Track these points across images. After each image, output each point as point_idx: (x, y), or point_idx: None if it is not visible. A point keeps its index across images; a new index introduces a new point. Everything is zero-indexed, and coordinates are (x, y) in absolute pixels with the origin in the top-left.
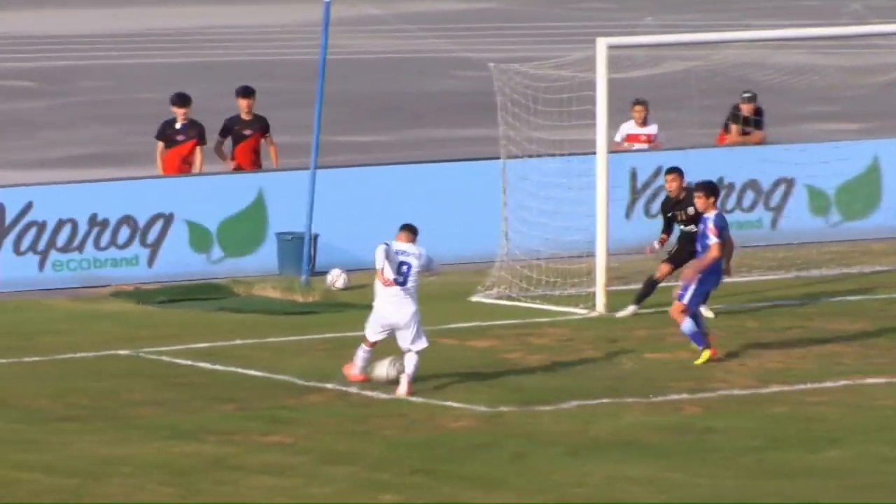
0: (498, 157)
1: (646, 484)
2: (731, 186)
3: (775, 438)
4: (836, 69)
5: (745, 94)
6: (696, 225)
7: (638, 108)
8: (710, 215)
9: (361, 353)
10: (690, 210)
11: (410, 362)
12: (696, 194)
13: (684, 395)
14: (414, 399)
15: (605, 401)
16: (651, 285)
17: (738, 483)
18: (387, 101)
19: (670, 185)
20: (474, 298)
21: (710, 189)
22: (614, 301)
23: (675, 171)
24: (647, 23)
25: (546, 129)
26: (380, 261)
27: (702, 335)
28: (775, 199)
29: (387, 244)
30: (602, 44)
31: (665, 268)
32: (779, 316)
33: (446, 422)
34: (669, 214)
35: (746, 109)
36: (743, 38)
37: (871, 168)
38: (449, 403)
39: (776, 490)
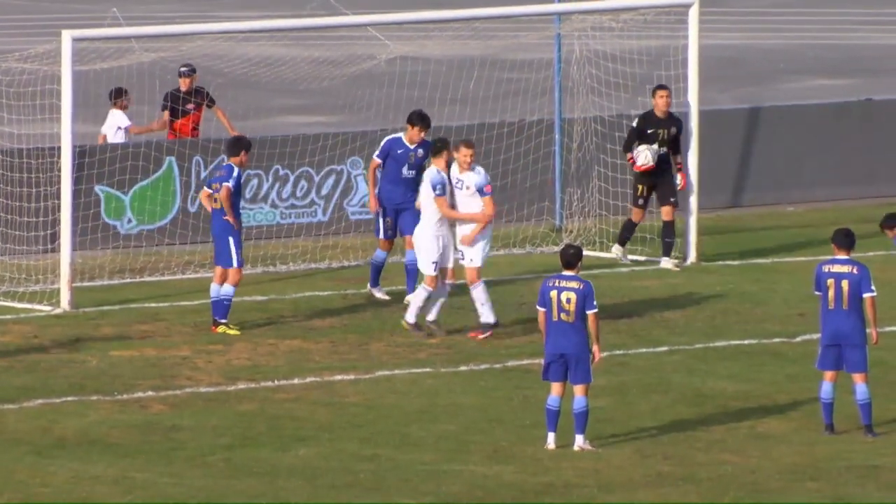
0: None
1: (111, 483)
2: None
3: (244, 437)
4: (304, 60)
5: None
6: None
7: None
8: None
9: None
10: (674, 130)
11: None
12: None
13: (150, 393)
14: None
15: (70, 399)
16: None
17: (205, 482)
18: None
19: (661, 101)
20: None
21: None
22: (80, 297)
23: (667, 87)
24: (113, 14)
25: (11, 124)
26: None
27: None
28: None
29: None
30: (67, 36)
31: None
32: (247, 311)
33: None
34: (650, 131)
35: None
36: (208, 31)
37: None
38: None
39: (244, 489)
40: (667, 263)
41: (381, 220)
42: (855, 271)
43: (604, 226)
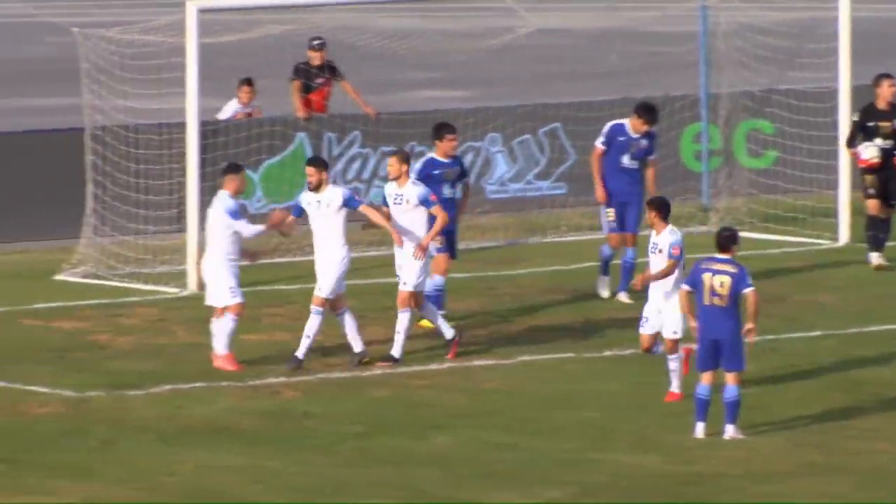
0: (83, 128)
1: (239, 472)
2: None
3: (377, 424)
4: (440, 34)
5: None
6: None
7: (245, 88)
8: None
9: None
10: None
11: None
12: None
13: (282, 379)
14: None
15: (198, 385)
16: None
17: (337, 471)
18: None
19: (887, 91)
20: (59, 277)
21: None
22: None
23: (892, 76)
24: None
25: (135, 98)
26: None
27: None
28: None
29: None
30: (192, 7)
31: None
32: (383, 294)
33: (30, 407)
34: (871, 124)
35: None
36: (339, 2)
37: None
38: (33, 388)
39: (378, 479)
40: (876, 259)
41: (602, 214)
42: None
43: (753, 205)
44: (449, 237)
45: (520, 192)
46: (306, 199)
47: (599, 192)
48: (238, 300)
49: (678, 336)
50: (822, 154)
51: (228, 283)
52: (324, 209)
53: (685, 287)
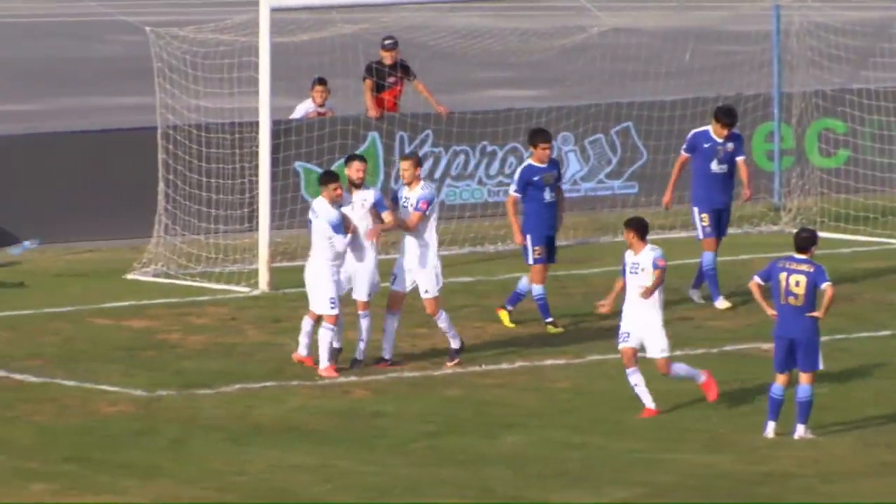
0: (155, 127)
1: (310, 472)
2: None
3: (449, 423)
4: (512, 33)
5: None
6: None
7: (319, 88)
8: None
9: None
10: None
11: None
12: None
13: (352, 379)
14: (66, 382)
15: (269, 384)
16: None
17: (409, 471)
18: (38, 66)
19: None
20: (130, 276)
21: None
22: (279, 278)
23: None
24: None
25: (207, 97)
26: None
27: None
28: None
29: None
30: (265, 6)
31: None
32: (453, 293)
33: (101, 406)
34: None
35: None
36: (412, 1)
37: None
38: (103, 387)
39: (449, 478)
40: None
41: (697, 219)
42: None
43: (825, 205)
44: (549, 244)
45: (591, 192)
46: (351, 198)
47: (666, 198)
48: (335, 312)
49: (667, 354)
50: (894, 153)
51: (329, 294)
52: (358, 209)
53: (757, 279)
